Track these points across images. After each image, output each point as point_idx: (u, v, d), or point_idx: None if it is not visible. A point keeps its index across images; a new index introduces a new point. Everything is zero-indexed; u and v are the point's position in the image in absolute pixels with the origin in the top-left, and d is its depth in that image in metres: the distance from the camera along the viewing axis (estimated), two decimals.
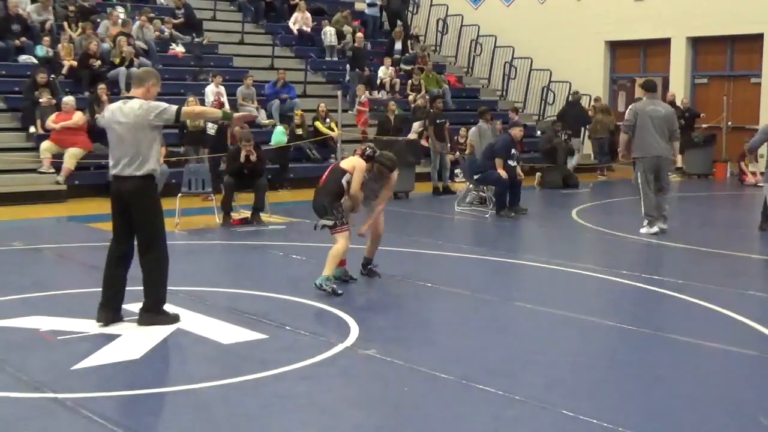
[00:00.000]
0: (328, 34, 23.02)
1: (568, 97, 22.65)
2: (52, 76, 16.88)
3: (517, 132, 14.60)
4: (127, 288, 7.13)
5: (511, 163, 14.16)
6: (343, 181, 8.50)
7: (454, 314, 7.61)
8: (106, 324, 6.96)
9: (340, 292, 8.07)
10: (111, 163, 7.02)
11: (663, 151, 12.03)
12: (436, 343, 6.85)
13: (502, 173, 13.92)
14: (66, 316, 7.36)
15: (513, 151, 14.28)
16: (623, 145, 12.42)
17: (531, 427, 5.13)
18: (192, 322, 7.22)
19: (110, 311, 7.04)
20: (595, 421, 5.10)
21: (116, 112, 6.90)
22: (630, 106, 13.14)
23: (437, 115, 17.50)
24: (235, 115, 7.41)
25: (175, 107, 6.91)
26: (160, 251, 7.07)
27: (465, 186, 15.29)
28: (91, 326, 7.01)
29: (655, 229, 12.08)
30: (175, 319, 7.13)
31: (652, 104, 12.26)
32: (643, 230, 12.08)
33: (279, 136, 17.58)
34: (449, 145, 17.48)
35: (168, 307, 7.61)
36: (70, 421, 5.11)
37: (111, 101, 16.81)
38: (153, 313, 7.06)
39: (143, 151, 6.83)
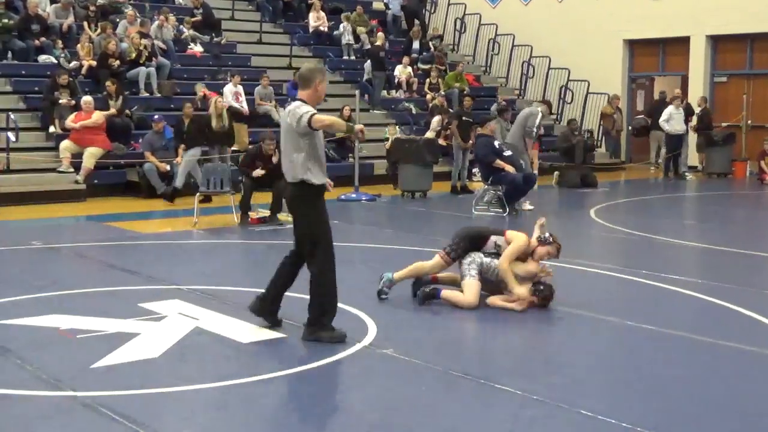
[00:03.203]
0: (346, 33, 23.04)
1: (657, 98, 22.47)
2: (71, 78, 16.95)
3: (492, 126, 14.90)
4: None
5: (507, 153, 14.43)
6: (493, 239, 7.97)
7: (472, 314, 7.58)
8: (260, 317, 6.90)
9: (384, 297, 7.89)
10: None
11: None
12: (454, 343, 6.84)
13: (510, 169, 14.13)
14: (85, 314, 7.38)
15: (498, 144, 14.47)
16: None
17: (549, 426, 5.11)
18: (210, 321, 7.23)
19: (266, 313, 6.92)
20: (613, 420, 5.07)
21: (282, 116, 6.73)
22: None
23: (465, 112, 17.46)
24: (356, 127, 6.92)
25: (307, 115, 6.44)
26: (322, 262, 6.69)
27: (482, 185, 15.30)
28: (109, 325, 7.05)
29: None
30: (341, 337, 6.61)
31: None
32: None
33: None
34: (471, 142, 17.49)
35: (186, 306, 7.67)
36: (88, 419, 5.12)
37: (126, 100, 17.04)
38: (316, 327, 6.66)
39: (294, 157, 6.57)
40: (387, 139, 18.42)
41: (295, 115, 6.49)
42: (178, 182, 15.11)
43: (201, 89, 17.66)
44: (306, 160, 6.55)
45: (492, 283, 7.83)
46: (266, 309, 6.96)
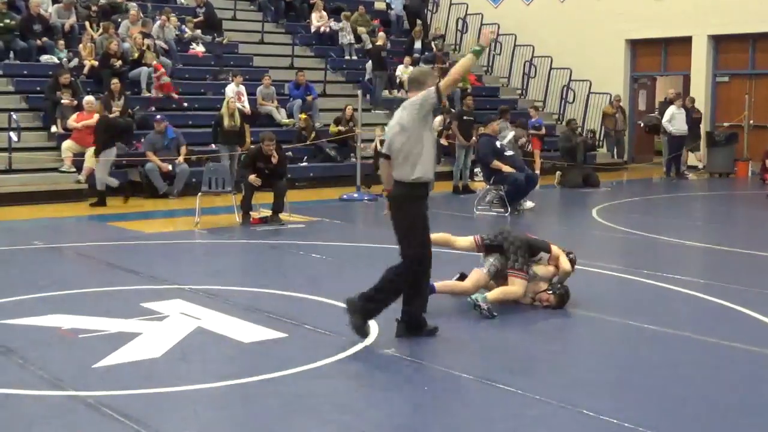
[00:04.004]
0: (345, 32, 23.03)
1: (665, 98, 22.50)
2: (73, 77, 16.97)
3: (494, 126, 14.91)
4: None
5: (509, 153, 14.48)
6: (541, 254, 7.93)
7: (474, 313, 7.58)
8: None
9: (495, 313, 7.48)
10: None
11: None
12: (456, 342, 6.83)
13: (508, 170, 14.15)
14: (87, 314, 7.38)
15: (499, 145, 14.50)
16: None
17: (551, 426, 5.11)
18: (212, 320, 7.23)
19: (358, 315, 6.67)
20: (615, 420, 5.07)
21: (395, 118, 6.64)
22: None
23: (465, 111, 17.46)
24: (481, 43, 6.68)
25: (432, 90, 6.38)
26: (411, 264, 6.61)
27: (484, 185, 15.32)
28: (111, 324, 7.05)
29: None
30: (431, 331, 6.68)
31: None
32: None
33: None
34: (474, 139, 17.47)
35: (188, 306, 7.67)
36: (90, 418, 5.12)
37: (128, 101, 17.05)
38: (406, 324, 6.67)
39: (408, 156, 6.47)
40: (375, 140, 18.13)
41: (414, 104, 6.44)
42: (99, 185, 14.61)
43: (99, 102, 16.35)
44: (423, 158, 6.48)
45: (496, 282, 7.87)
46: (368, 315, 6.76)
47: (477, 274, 7.85)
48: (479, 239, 8.01)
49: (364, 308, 6.60)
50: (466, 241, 8.11)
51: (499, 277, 7.86)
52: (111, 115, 15.88)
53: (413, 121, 6.47)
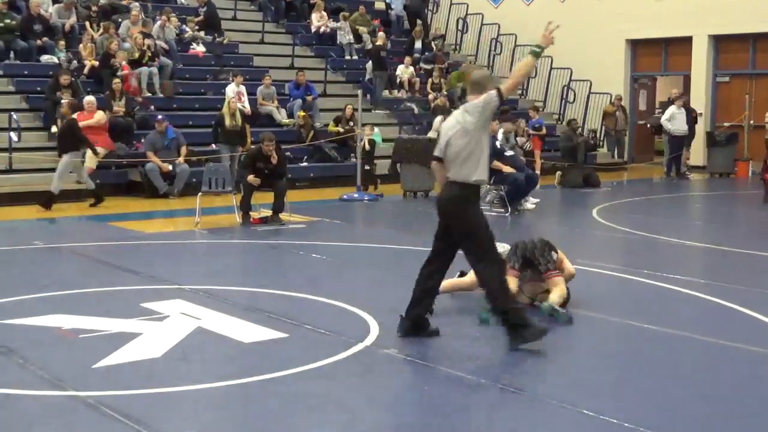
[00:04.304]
0: (344, 31, 23.04)
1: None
2: (73, 77, 16.97)
3: (494, 126, 14.95)
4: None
5: (509, 153, 14.50)
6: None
7: (474, 313, 7.58)
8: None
9: (570, 316, 7.43)
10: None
11: None
12: (455, 342, 6.83)
13: (509, 170, 14.16)
14: (87, 314, 7.39)
15: (499, 145, 14.51)
16: None
17: (551, 426, 5.11)
18: (212, 320, 7.23)
19: (409, 321, 6.72)
20: (615, 420, 5.07)
21: (453, 119, 6.66)
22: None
23: None
24: (542, 42, 6.60)
25: (493, 93, 6.44)
26: (487, 265, 6.61)
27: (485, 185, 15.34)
28: (112, 324, 7.05)
29: None
30: (539, 333, 6.49)
31: None
32: None
33: (377, 136, 17.46)
34: None
35: (188, 306, 7.67)
36: (90, 419, 5.12)
37: (130, 100, 17.05)
38: (514, 333, 6.51)
39: (467, 158, 6.50)
40: (363, 140, 17.88)
41: (477, 107, 6.46)
42: (54, 187, 14.22)
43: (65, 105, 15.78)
44: (482, 160, 6.52)
45: None
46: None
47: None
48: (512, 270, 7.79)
49: (506, 321, 6.54)
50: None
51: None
52: (113, 114, 15.91)
53: (476, 123, 6.49)
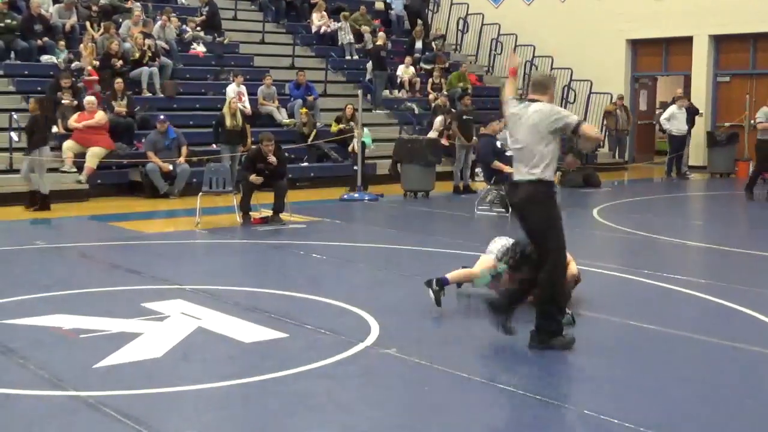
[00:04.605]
0: (344, 31, 23.04)
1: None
2: (73, 78, 16.98)
3: (495, 127, 14.89)
4: None
5: (510, 153, 14.47)
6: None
7: (475, 313, 7.59)
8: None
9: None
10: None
11: None
12: (456, 342, 6.83)
13: (509, 170, 14.13)
14: (88, 314, 7.39)
15: (500, 145, 14.51)
16: None
17: (552, 426, 5.11)
18: (212, 320, 7.24)
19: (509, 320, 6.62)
20: (616, 421, 5.07)
21: (524, 114, 6.62)
22: None
23: (465, 111, 17.47)
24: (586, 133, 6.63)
25: (575, 121, 6.48)
26: (554, 265, 6.55)
27: (484, 185, 15.32)
28: (112, 324, 7.05)
29: None
30: (568, 343, 6.50)
31: None
32: None
33: (366, 137, 17.40)
34: (475, 139, 17.45)
35: (188, 306, 7.67)
36: (91, 418, 5.13)
37: (132, 100, 17.06)
38: (544, 335, 6.52)
39: (536, 156, 6.51)
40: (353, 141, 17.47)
41: (551, 119, 6.46)
42: (39, 188, 14.01)
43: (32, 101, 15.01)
44: (551, 159, 6.53)
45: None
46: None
47: (485, 259, 7.89)
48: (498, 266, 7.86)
49: (543, 328, 6.51)
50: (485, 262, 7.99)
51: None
52: (113, 114, 15.88)
53: (548, 131, 6.49)
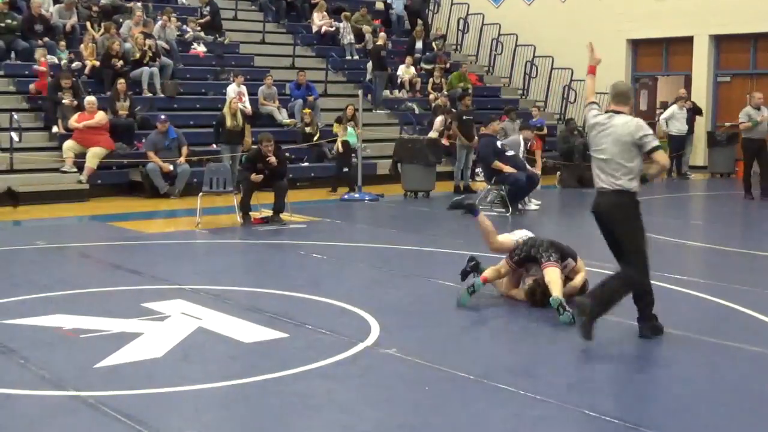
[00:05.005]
0: (345, 31, 23.04)
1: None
2: (74, 78, 16.98)
3: (495, 127, 14.92)
4: None
5: (510, 153, 14.52)
6: (570, 260, 8.07)
7: (477, 314, 7.59)
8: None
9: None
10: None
11: None
12: (457, 342, 6.84)
13: (509, 170, 14.19)
14: (88, 314, 7.40)
15: (500, 145, 14.54)
16: None
17: (553, 426, 5.11)
18: (213, 320, 7.24)
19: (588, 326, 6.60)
20: (617, 420, 5.07)
21: (615, 123, 6.79)
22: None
23: (465, 111, 17.48)
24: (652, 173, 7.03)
25: (654, 144, 6.69)
26: (637, 271, 6.81)
27: (485, 185, 15.34)
28: (113, 324, 7.06)
29: None
30: (657, 330, 6.80)
31: None
32: None
33: (351, 136, 17.34)
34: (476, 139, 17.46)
35: (189, 306, 7.68)
36: (92, 418, 5.13)
37: (132, 100, 17.06)
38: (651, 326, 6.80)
39: (623, 166, 6.71)
40: (336, 140, 17.37)
41: (643, 134, 6.65)
42: None
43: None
44: (636, 172, 6.71)
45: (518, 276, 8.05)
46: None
47: (506, 237, 8.29)
48: (509, 261, 8.03)
49: (593, 311, 6.59)
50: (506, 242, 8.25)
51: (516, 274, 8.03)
52: (117, 115, 15.83)
53: (633, 145, 6.67)
